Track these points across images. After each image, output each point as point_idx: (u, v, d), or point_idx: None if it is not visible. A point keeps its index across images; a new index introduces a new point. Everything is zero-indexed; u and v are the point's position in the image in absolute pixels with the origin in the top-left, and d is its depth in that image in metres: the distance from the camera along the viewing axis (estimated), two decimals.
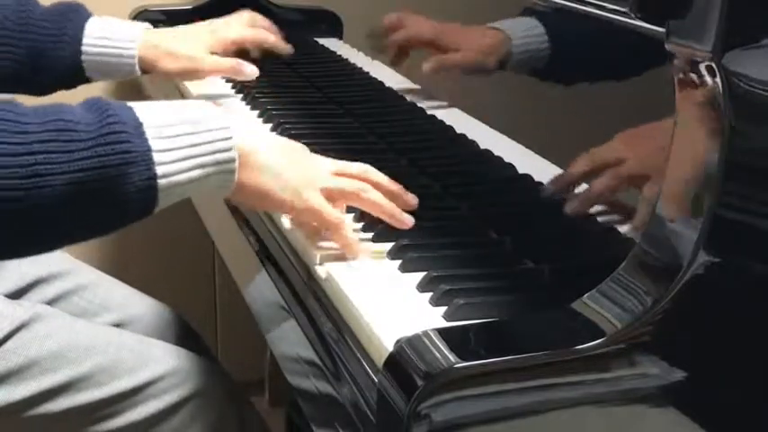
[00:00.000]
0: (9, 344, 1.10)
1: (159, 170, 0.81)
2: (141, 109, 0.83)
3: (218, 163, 0.85)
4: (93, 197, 0.79)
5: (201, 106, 0.88)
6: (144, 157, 0.80)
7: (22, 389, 1.09)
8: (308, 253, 0.94)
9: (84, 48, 1.30)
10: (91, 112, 0.82)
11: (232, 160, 0.85)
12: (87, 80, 1.35)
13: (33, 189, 0.76)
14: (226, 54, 1.38)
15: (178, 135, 0.83)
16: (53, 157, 0.77)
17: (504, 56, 1.05)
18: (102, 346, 1.15)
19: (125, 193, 0.80)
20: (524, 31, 1.00)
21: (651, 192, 0.78)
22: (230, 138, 0.85)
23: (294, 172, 0.90)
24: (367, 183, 0.95)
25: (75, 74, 1.33)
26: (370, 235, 0.96)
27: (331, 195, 0.93)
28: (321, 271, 0.90)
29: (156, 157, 0.81)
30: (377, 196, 0.94)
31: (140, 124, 0.82)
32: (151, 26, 1.38)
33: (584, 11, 0.89)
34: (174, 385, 1.17)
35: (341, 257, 0.92)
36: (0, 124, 0.77)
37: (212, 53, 1.36)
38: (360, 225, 0.99)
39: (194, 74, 1.37)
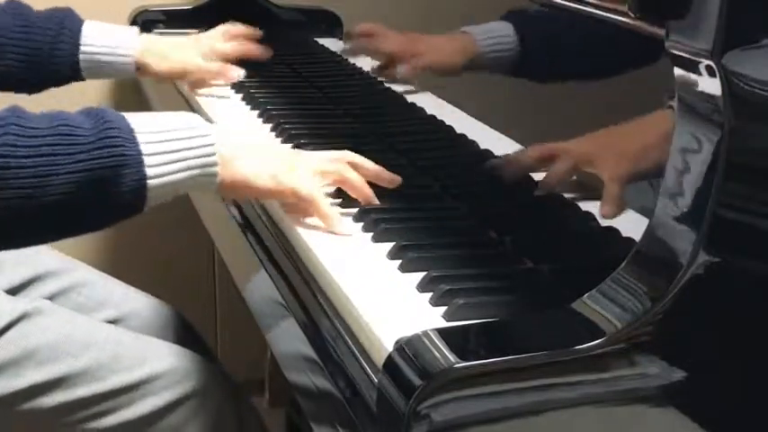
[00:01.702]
0: (7, 334, 1.11)
1: (149, 172, 0.90)
2: (133, 118, 0.92)
3: (203, 165, 0.94)
4: (91, 195, 0.87)
5: (187, 116, 0.97)
6: (136, 160, 0.89)
7: (19, 380, 1.09)
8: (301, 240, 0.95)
9: (82, 47, 1.37)
10: (89, 119, 0.90)
11: (214, 164, 0.94)
12: (81, 78, 1.41)
13: (39, 188, 0.85)
14: None
15: (166, 140, 0.91)
16: (58, 159, 0.85)
17: (473, 57, 1.12)
18: (100, 342, 1.15)
19: (119, 192, 0.88)
20: (491, 33, 1.07)
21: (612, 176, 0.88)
22: (213, 144, 0.94)
23: (271, 161, 0.99)
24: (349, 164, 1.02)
25: (71, 72, 1.38)
26: (369, 235, 0.96)
27: (318, 173, 1.01)
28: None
29: (147, 160, 0.89)
30: (355, 176, 1.01)
31: (132, 130, 0.90)
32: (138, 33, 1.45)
33: (584, 11, 0.89)
34: (173, 383, 1.17)
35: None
36: (12, 128, 0.85)
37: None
38: (360, 225, 0.99)
39: (183, 75, 1.44)
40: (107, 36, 1.39)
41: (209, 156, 0.94)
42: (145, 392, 1.15)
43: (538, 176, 1.03)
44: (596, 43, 0.93)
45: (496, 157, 1.08)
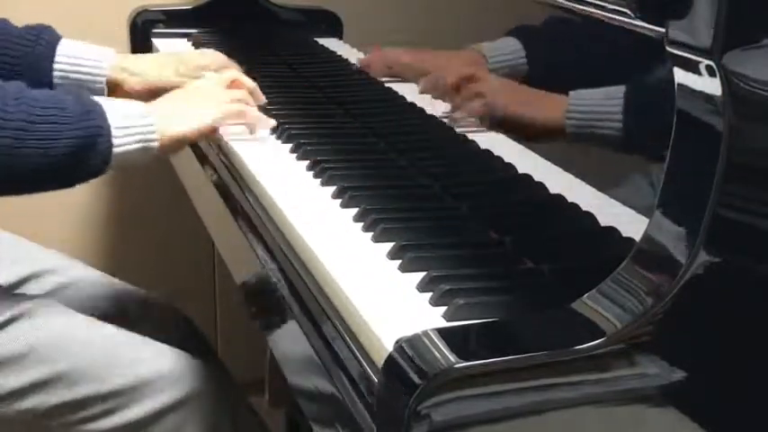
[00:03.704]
0: (6, 331, 1.10)
1: (114, 142, 1.13)
2: (104, 103, 1.15)
3: (147, 140, 1.16)
4: (78, 156, 1.11)
5: (134, 103, 1.21)
6: (107, 132, 1.12)
7: (17, 378, 1.09)
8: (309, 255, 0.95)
9: (56, 65, 1.35)
10: (71, 96, 1.14)
11: (155, 140, 1.17)
12: None
13: (47, 148, 1.09)
14: None
15: (125, 117, 1.15)
16: (58, 126, 1.10)
17: None
18: (98, 341, 1.15)
19: (95, 156, 1.12)
20: (501, 49, 1.10)
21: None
22: (154, 123, 1.17)
23: (193, 108, 1.23)
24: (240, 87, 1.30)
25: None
26: (369, 235, 0.96)
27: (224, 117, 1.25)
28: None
29: (114, 132, 1.13)
30: (241, 109, 1.27)
31: (104, 111, 1.13)
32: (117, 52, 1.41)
33: (585, 11, 0.89)
34: (170, 385, 1.17)
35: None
36: (27, 100, 1.09)
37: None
38: (360, 225, 0.99)
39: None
40: (82, 53, 1.37)
41: (152, 132, 1.16)
42: (142, 394, 1.15)
43: (539, 177, 1.03)
44: (600, 52, 0.93)
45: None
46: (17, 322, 1.12)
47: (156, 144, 1.17)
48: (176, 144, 1.22)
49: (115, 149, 1.13)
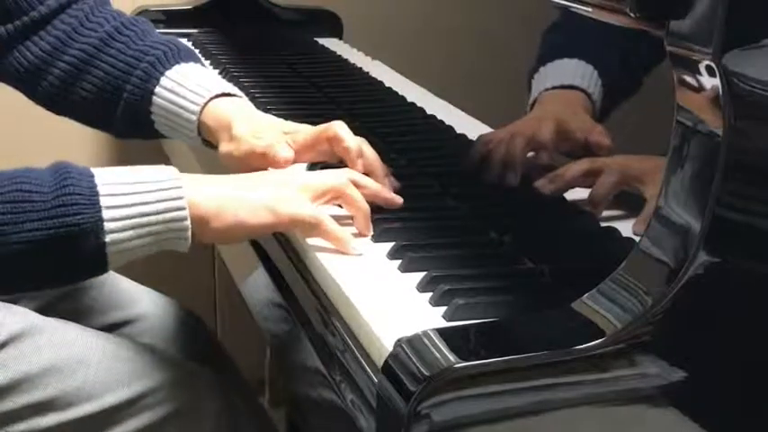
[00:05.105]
0: (1, 355, 1.08)
1: (108, 238, 0.87)
2: (100, 176, 0.88)
3: (170, 230, 0.91)
4: (45, 261, 0.86)
5: (160, 174, 0.91)
6: (94, 228, 0.86)
7: (14, 401, 1.07)
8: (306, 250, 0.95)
9: (157, 89, 1.14)
10: (51, 177, 0.87)
11: (183, 219, 0.90)
12: (159, 133, 1.19)
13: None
14: None
15: (131, 205, 0.88)
16: (6, 228, 0.84)
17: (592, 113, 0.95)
18: (95, 358, 1.12)
19: (74, 260, 0.87)
20: (591, 79, 0.94)
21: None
22: (182, 198, 0.89)
23: (260, 193, 0.94)
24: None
25: (144, 120, 1.17)
26: (369, 235, 0.96)
27: (315, 195, 0.96)
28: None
29: (107, 225, 0.87)
30: (354, 192, 0.97)
31: (96, 193, 0.87)
32: (236, 90, 1.16)
33: (585, 11, 0.89)
34: (168, 398, 1.13)
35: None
36: None
37: None
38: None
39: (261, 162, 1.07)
40: (184, 80, 1.12)
41: (178, 210, 0.90)
42: (138, 408, 1.11)
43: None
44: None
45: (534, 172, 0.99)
46: (9, 347, 1.09)
47: (186, 224, 0.90)
48: (237, 231, 0.93)
49: (111, 248, 0.88)
